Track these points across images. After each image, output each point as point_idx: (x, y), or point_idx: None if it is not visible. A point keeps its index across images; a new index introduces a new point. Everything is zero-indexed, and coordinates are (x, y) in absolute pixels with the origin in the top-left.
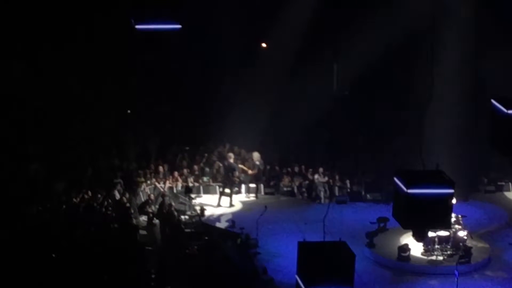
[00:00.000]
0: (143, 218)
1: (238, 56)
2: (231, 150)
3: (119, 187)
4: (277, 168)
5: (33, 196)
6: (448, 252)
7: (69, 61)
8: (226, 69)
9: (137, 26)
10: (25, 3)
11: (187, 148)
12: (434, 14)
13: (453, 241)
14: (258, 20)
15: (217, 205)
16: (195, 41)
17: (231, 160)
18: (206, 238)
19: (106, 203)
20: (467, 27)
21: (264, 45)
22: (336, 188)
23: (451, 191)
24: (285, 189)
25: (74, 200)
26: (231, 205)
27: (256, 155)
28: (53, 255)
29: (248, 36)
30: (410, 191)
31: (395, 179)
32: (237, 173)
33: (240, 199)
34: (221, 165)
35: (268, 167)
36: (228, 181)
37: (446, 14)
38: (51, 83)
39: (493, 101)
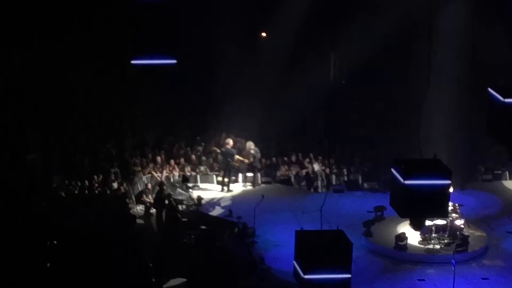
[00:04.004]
0: (140, 207)
1: (237, 45)
2: (228, 138)
3: (116, 176)
4: (274, 159)
5: (31, 186)
6: (445, 241)
7: (68, 52)
8: (224, 58)
9: (132, 62)
10: None
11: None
12: (431, 2)
13: (450, 229)
14: (256, 9)
15: (221, 190)
16: (193, 31)
17: (228, 147)
18: (203, 227)
19: (103, 192)
20: (466, 14)
21: (264, 34)
22: (333, 177)
23: (448, 182)
24: (281, 178)
25: (71, 189)
26: (229, 190)
27: (249, 144)
28: (50, 244)
29: (246, 25)
30: (407, 182)
31: (393, 169)
32: (235, 159)
33: (237, 188)
34: (218, 150)
35: (263, 158)
36: (226, 167)
37: (444, 3)
38: (51, 74)
39: (490, 89)
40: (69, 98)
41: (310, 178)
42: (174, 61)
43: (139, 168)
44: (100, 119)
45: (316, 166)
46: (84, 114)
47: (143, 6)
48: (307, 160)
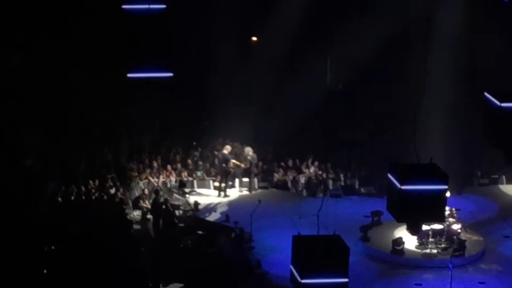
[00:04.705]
0: (137, 212)
1: (232, 49)
2: (226, 144)
3: (112, 181)
4: (272, 165)
5: (29, 190)
6: (442, 245)
7: (66, 53)
8: (220, 63)
9: (129, 75)
10: None
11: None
12: (428, 6)
13: (447, 234)
14: (251, 13)
15: (217, 195)
16: (188, 35)
17: (225, 151)
18: (200, 232)
19: (100, 197)
20: (462, 18)
21: (254, 38)
22: (330, 182)
23: (445, 187)
24: (278, 183)
25: (68, 194)
26: (226, 195)
27: (247, 150)
28: (47, 249)
29: (241, 29)
30: (404, 187)
31: (389, 175)
32: (231, 164)
33: (234, 193)
34: (216, 153)
35: (260, 162)
36: (223, 172)
37: (440, 5)
38: (48, 75)
39: (486, 94)
40: (67, 100)
41: (314, 184)
42: (171, 74)
43: (136, 174)
44: (97, 123)
45: (313, 171)
46: (81, 118)
47: (139, 18)
48: (304, 165)
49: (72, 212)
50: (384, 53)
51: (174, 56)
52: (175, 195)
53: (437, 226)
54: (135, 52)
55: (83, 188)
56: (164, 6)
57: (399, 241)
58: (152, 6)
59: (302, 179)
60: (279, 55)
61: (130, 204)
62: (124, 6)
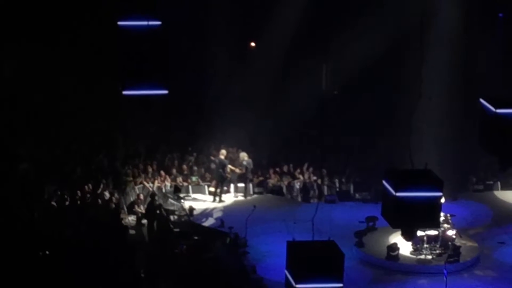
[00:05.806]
0: (132, 217)
1: (228, 55)
2: (220, 149)
3: (108, 186)
4: (267, 171)
5: (23, 196)
6: (437, 251)
7: (62, 60)
8: (216, 68)
9: (124, 92)
10: (16, 2)
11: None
12: (423, 13)
13: (442, 240)
14: (248, 19)
15: (212, 201)
16: (184, 39)
17: (222, 157)
18: (195, 237)
19: (95, 202)
20: (457, 27)
21: (252, 44)
22: (325, 188)
23: (440, 193)
24: (273, 188)
25: (64, 199)
26: (221, 200)
27: (243, 155)
28: (42, 254)
29: (238, 35)
30: (398, 194)
31: (384, 181)
32: (228, 169)
33: (229, 198)
34: (213, 158)
35: (260, 177)
36: (219, 178)
37: (436, 13)
38: (43, 83)
39: (481, 100)
40: (61, 107)
41: (309, 189)
42: (166, 92)
43: (131, 179)
44: (92, 129)
45: (307, 177)
46: (77, 124)
47: (134, 35)
48: (299, 170)
49: (67, 217)
50: (380, 60)
51: (170, 75)
52: (170, 200)
53: (432, 232)
54: (130, 70)
55: (78, 193)
56: (159, 22)
57: (394, 247)
58: (148, 23)
59: (297, 185)
60: (276, 62)
61: (125, 209)
62: (119, 23)
